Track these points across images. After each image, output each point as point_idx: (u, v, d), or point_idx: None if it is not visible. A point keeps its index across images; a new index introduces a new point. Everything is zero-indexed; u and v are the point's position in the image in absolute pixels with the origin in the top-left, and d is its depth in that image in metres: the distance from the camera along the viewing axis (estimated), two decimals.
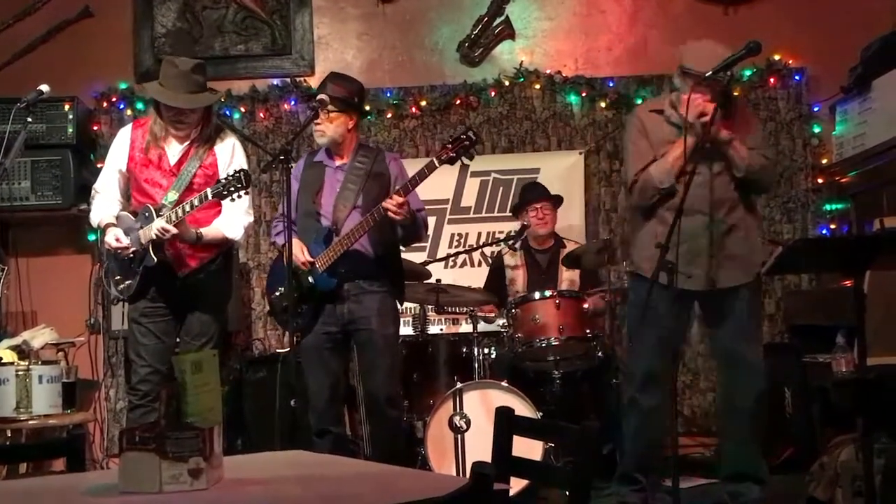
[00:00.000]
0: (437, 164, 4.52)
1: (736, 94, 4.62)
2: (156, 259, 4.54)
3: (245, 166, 4.70)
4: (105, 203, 4.78)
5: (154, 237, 4.45)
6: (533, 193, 6.14)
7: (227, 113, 6.86)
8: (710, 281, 4.38)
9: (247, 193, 4.47)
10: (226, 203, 4.57)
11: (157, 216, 4.49)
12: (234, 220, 4.69)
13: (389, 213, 4.51)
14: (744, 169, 4.38)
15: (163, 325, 4.72)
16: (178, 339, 4.78)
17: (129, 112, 6.65)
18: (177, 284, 4.66)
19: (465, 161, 4.51)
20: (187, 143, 4.68)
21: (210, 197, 4.39)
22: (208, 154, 4.66)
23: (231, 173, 4.40)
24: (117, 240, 4.64)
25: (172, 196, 4.51)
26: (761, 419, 4.60)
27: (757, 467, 4.52)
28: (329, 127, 4.80)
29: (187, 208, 4.43)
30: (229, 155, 4.72)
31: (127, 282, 4.65)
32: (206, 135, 4.70)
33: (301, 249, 4.70)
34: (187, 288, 4.68)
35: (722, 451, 4.65)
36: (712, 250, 4.37)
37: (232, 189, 4.35)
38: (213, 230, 4.65)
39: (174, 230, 4.43)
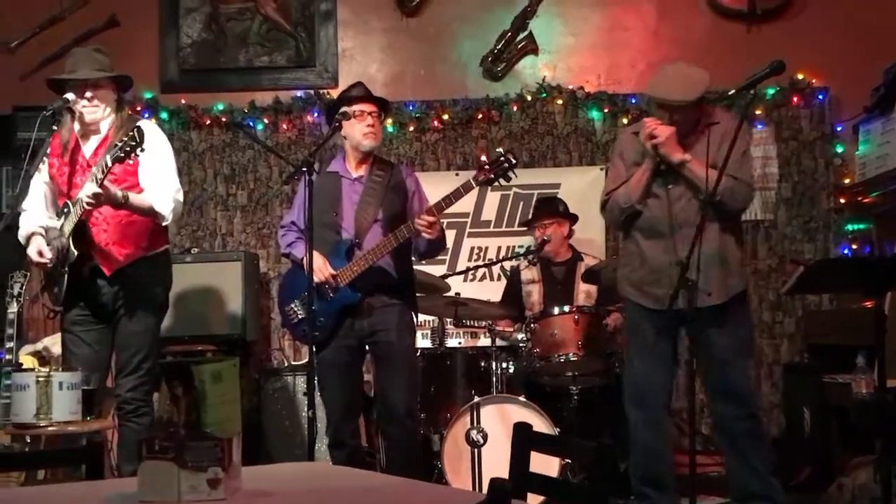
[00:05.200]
0: (473, 185, 4.53)
1: (726, 110, 4.62)
2: (76, 252, 4.44)
3: (166, 151, 4.67)
4: (30, 218, 4.70)
5: (85, 206, 4.33)
6: (540, 210, 6.16)
7: (251, 124, 6.91)
8: (674, 301, 4.36)
9: (142, 150, 4.26)
10: (153, 184, 4.53)
11: (74, 207, 4.43)
12: (161, 193, 4.56)
13: (423, 233, 4.53)
14: (704, 191, 4.31)
15: (95, 334, 4.63)
16: (111, 351, 4.67)
17: (153, 121, 6.69)
18: (104, 285, 4.56)
19: (502, 182, 4.55)
20: (101, 136, 4.59)
21: (110, 163, 4.24)
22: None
23: (124, 136, 4.26)
24: (39, 253, 4.57)
25: (89, 188, 4.34)
26: (759, 439, 4.56)
27: (764, 486, 4.48)
28: (379, 132, 4.86)
29: (99, 175, 4.29)
30: (146, 140, 4.44)
31: (54, 289, 4.58)
32: (118, 124, 4.57)
33: (325, 263, 4.68)
34: (115, 290, 4.56)
35: (729, 471, 4.62)
36: (676, 271, 4.34)
37: (128, 148, 4.20)
38: (139, 197, 4.51)
39: (100, 190, 4.26)
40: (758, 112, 6.69)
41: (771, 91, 6.68)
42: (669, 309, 4.23)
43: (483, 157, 4.67)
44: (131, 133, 4.23)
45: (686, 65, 4.54)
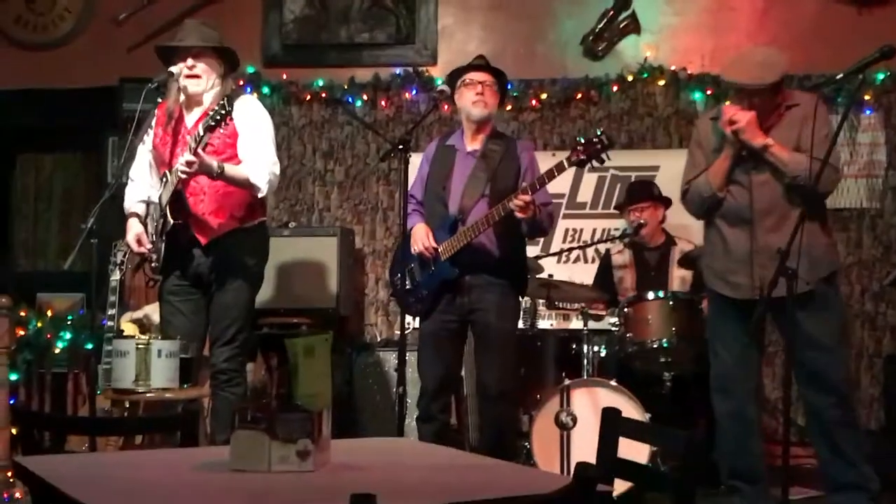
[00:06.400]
0: (566, 166, 4.47)
1: (806, 92, 4.50)
2: (172, 221, 4.51)
3: (266, 124, 4.68)
4: (135, 189, 4.79)
5: (180, 175, 4.39)
6: (635, 194, 6.07)
7: (350, 100, 6.95)
8: (758, 290, 4.28)
9: (231, 120, 4.34)
10: (250, 156, 4.56)
11: (171, 176, 4.49)
12: (258, 164, 4.58)
13: (516, 212, 4.50)
14: (788, 173, 4.28)
15: (191, 304, 4.69)
16: (207, 321, 4.72)
17: (254, 95, 6.77)
18: (200, 255, 4.62)
19: (595, 164, 4.48)
20: (203, 108, 4.62)
21: (202, 132, 4.31)
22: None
23: (216, 105, 4.33)
24: (138, 241, 4.67)
25: (184, 157, 4.39)
26: (852, 427, 4.45)
27: (858, 475, 4.38)
28: (491, 101, 4.83)
29: (192, 145, 4.35)
30: (246, 112, 4.60)
31: (153, 255, 4.66)
32: (221, 96, 4.56)
33: (427, 234, 4.71)
34: (211, 260, 4.61)
35: (821, 462, 4.53)
36: (760, 259, 4.28)
37: (218, 117, 4.26)
38: (235, 168, 4.53)
39: (195, 158, 4.31)
40: (866, 97, 6.49)
41: (881, 76, 6.47)
42: (763, 297, 4.15)
43: (579, 138, 4.58)
44: (221, 102, 4.32)
45: (762, 47, 4.46)
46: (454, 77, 4.91)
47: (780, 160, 4.29)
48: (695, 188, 4.54)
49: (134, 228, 4.73)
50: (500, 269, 4.72)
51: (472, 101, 4.78)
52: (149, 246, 4.67)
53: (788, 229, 4.28)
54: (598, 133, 4.47)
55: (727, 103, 4.52)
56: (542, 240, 6.64)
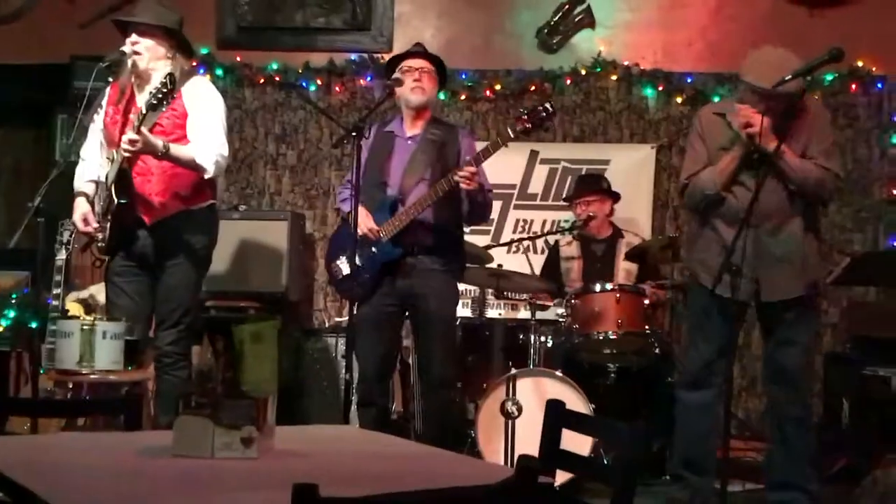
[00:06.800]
0: (511, 135, 4.52)
1: (815, 98, 4.43)
2: (117, 200, 4.46)
3: (216, 106, 4.63)
4: (85, 168, 4.72)
5: (124, 154, 4.34)
6: (583, 187, 6.14)
7: (304, 85, 6.92)
8: (754, 293, 4.32)
9: (173, 96, 4.31)
10: (198, 137, 4.51)
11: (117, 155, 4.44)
12: (205, 146, 4.52)
13: (461, 183, 4.51)
14: (796, 180, 4.27)
15: (136, 286, 4.64)
16: (153, 303, 4.66)
17: (208, 77, 6.72)
18: (146, 236, 4.57)
19: (543, 130, 4.51)
20: (152, 87, 4.50)
21: (144, 110, 4.28)
22: (176, 97, 4.47)
23: (159, 83, 4.29)
24: (85, 221, 4.60)
25: (128, 136, 4.35)
26: (806, 427, 4.54)
27: (801, 475, 4.46)
28: (429, 87, 4.84)
29: (136, 123, 4.30)
30: (196, 93, 4.57)
31: (100, 235, 4.60)
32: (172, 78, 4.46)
33: (367, 217, 4.71)
34: (157, 241, 4.57)
35: (768, 456, 4.61)
36: (757, 262, 4.30)
37: (161, 95, 4.23)
38: (181, 148, 4.47)
39: (137, 136, 4.25)
40: (814, 98, 6.57)
41: (829, 77, 6.57)
42: (757, 299, 4.24)
43: (522, 109, 4.62)
44: (164, 80, 4.27)
45: (780, 49, 4.34)
46: (393, 64, 4.93)
47: (790, 166, 4.26)
48: (697, 184, 4.45)
49: (81, 208, 4.68)
50: (441, 252, 4.74)
51: (411, 87, 4.80)
52: (95, 225, 4.62)
53: (787, 234, 4.34)
54: (542, 102, 4.52)
55: (740, 104, 4.35)
56: (492, 230, 6.69)
